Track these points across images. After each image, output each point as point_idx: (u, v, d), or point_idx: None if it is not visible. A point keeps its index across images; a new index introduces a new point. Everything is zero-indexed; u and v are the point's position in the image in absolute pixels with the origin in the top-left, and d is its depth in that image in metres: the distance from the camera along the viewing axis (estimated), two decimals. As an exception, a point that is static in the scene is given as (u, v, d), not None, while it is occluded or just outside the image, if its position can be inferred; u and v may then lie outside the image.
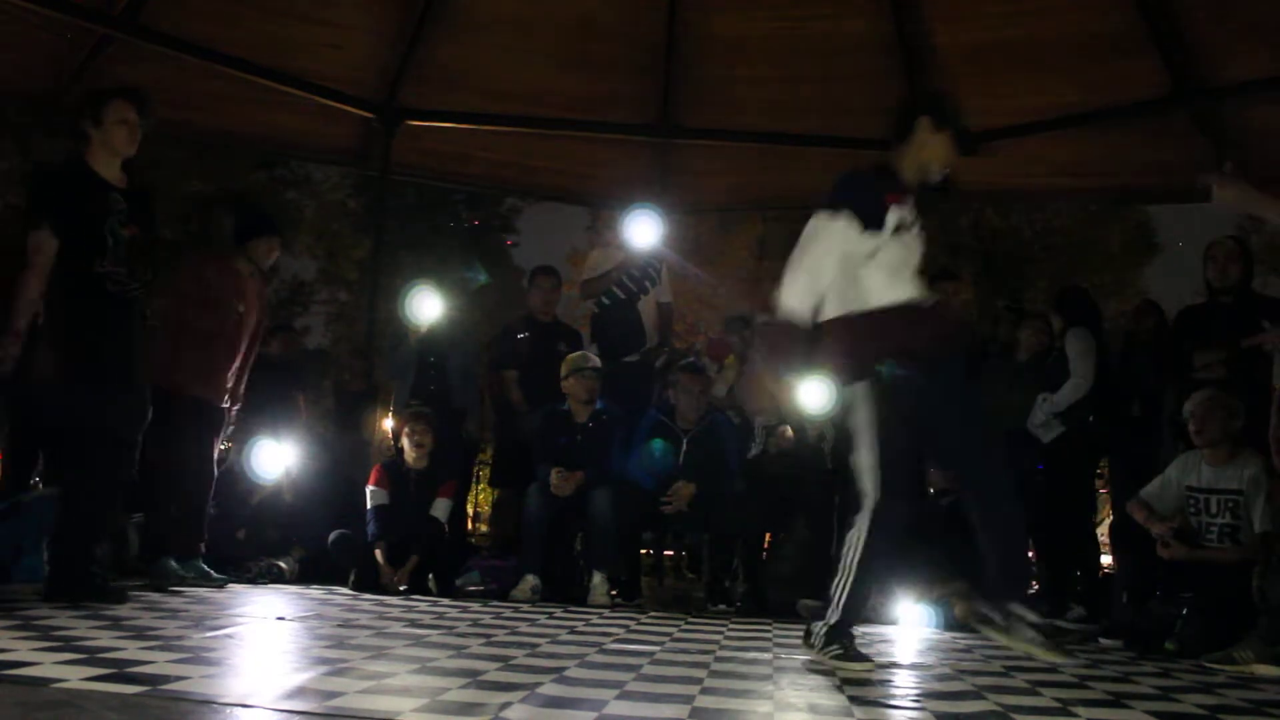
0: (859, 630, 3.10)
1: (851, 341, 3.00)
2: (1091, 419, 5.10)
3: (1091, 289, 7.31)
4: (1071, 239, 17.01)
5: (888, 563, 3.08)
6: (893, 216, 3.02)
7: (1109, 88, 6.24)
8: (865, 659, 2.88)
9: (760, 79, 6.85)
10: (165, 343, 4.73)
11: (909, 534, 3.05)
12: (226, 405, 4.90)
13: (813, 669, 2.93)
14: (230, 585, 4.64)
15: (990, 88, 6.57)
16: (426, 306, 5.66)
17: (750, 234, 16.97)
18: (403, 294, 5.83)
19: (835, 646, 2.87)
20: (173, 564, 4.53)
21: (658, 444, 5.18)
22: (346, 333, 17.49)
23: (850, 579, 2.92)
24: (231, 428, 5.11)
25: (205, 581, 4.60)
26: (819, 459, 5.28)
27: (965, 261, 16.39)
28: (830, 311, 3.02)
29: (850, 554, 2.94)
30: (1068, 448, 5.12)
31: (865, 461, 2.94)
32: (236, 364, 4.89)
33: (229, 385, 4.88)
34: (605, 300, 5.98)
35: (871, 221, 2.99)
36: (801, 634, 3.09)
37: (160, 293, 4.74)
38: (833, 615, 2.93)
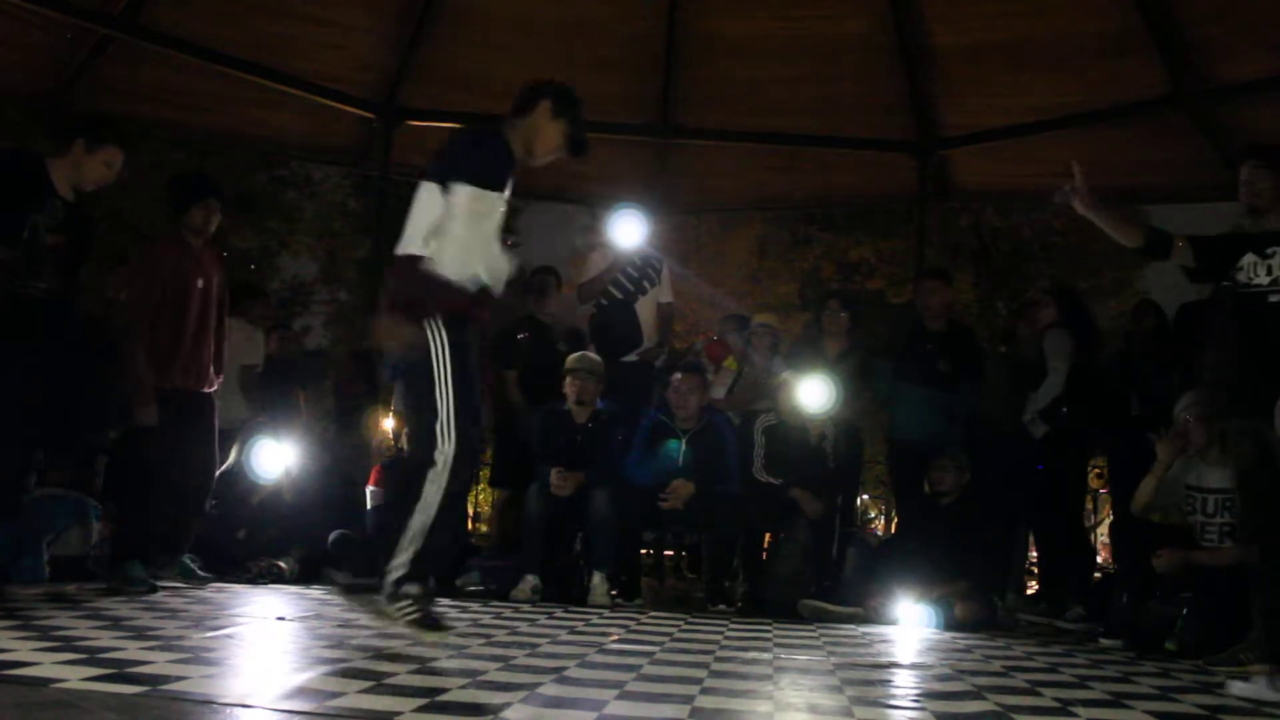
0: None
1: (442, 287, 2.93)
2: (1065, 415, 5.21)
3: (1091, 289, 7.32)
4: (1071, 239, 16.96)
5: (454, 519, 3.08)
6: (509, 187, 3.07)
7: (1109, 88, 6.23)
8: (443, 627, 2.90)
9: (760, 79, 6.85)
10: (145, 342, 4.53)
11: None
12: (211, 390, 4.84)
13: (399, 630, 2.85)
14: (230, 585, 4.64)
15: (990, 88, 6.57)
16: None
17: (750, 234, 16.95)
18: None
19: (412, 608, 2.84)
20: (137, 568, 4.42)
21: (674, 444, 5.20)
22: (346, 333, 17.47)
23: (424, 537, 2.87)
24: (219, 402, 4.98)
25: (188, 579, 4.58)
26: (819, 459, 5.28)
27: (965, 261, 16.36)
28: (428, 250, 2.95)
29: (427, 511, 2.86)
30: (1054, 446, 5.20)
31: (442, 408, 2.89)
32: (215, 342, 4.78)
33: (210, 366, 4.77)
34: (603, 300, 5.99)
35: (496, 184, 3.02)
36: (361, 599, 2.94)
37: (129, 296, 4.67)
38: (398, 570, 2.85)
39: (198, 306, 4.72)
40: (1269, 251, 3.44)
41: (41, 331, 3.77)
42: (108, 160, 3.93)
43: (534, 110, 3.16)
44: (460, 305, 2.97)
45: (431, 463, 2.88)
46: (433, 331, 2.94)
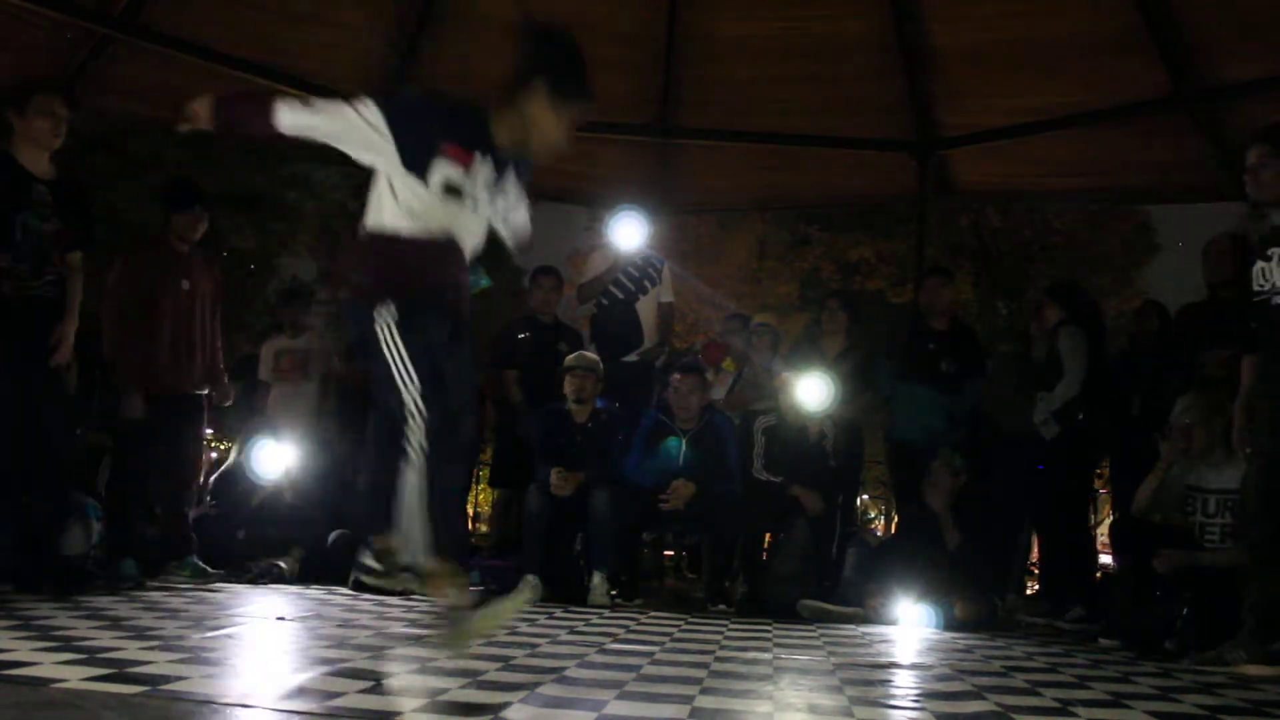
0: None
1: (383, 264, 2.59)
2: (1082, 418, 5.07)
3: (1091, 289, 7.30)
4: (1071, 239, 17.00)
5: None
6: (442, 172, 2.51)
7: (1109, 88, 6.23)
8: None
9: (760, 79, 6.84)
10: (119, 341, 4.65)
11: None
12: (203, 392, 4.87)
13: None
14: (230, 585, 4.64)
15: (990, 88, 6.57)
16: None
17: (750, 234, 16.95)
18: None
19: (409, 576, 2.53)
20: (131, 566, 4.46)
21: (674, 444, 5.20)
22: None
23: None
24: (228, 401, 5.10)
25: (200, 578, 4.63)
26: (819, 457, 5.28)
27: (965, 261, 16.38)
28: (370, 223, 2.60)
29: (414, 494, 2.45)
30: (1065, 447, 5.14)
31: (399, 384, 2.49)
32: (201, 345, 4.83)
33: (201, 369, 4.83)
34: (603, 300, 5.99)
35: (412, 162, 2.51)
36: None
37: (103, 294, 4.72)
38: (419, 553, 2.45)
39: (181, 308, 4.75)
40: (1270, 253, 3.38)
41: (43, 330, 3.81)
42: (42, 110, 3.79)
43: (528, 91, 2.59)
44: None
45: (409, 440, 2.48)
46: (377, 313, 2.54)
